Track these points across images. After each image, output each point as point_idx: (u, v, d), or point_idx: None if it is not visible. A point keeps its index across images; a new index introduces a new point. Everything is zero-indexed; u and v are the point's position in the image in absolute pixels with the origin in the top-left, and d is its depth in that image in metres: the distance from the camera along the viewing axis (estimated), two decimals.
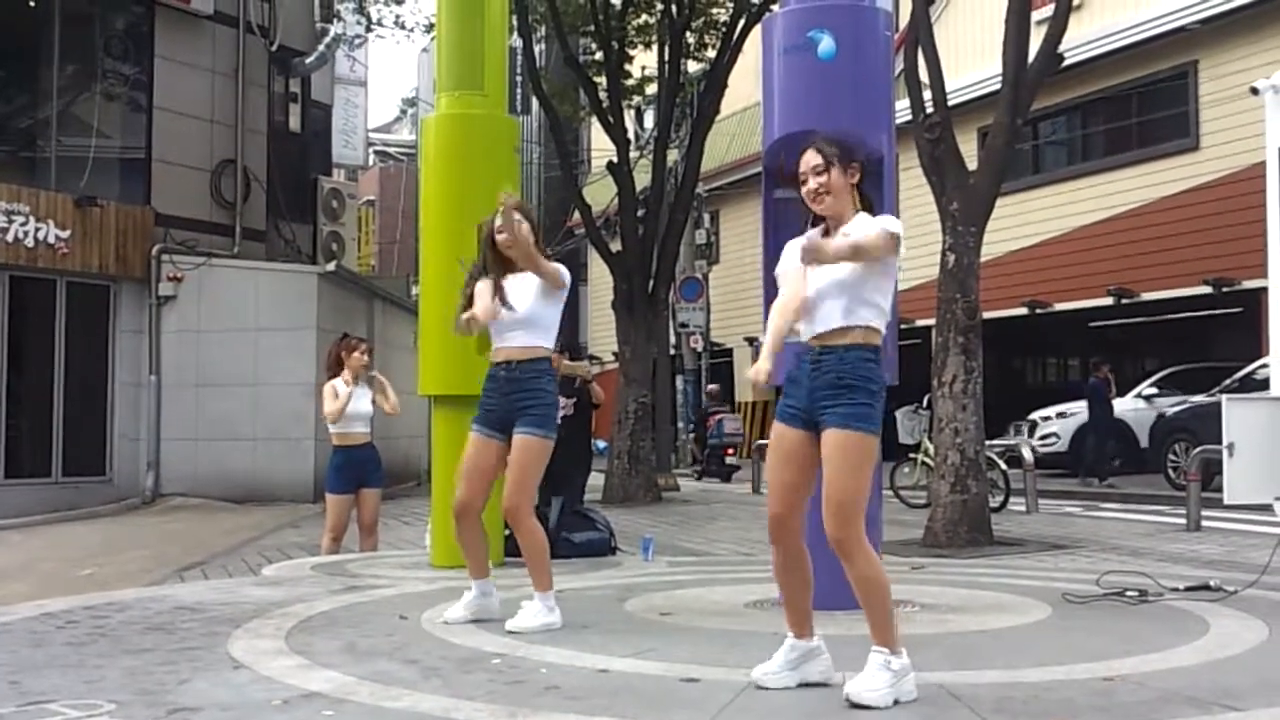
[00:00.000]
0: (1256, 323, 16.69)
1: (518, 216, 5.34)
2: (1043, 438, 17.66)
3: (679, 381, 25.42)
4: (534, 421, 5.37)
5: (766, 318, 4.39)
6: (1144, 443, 16.81)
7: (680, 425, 24.88)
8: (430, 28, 22.15)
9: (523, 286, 5.43)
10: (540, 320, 5.45)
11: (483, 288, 5.48)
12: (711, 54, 17.37)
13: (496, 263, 5.47)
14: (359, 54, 26.92)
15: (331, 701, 3.85)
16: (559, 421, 9.41)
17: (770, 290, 4.94)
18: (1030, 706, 3.73)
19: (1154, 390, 17.55)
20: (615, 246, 16.80)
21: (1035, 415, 18.52)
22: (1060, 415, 18.09)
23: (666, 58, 16.92)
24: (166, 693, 3.99)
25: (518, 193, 8.43)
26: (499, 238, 5.40)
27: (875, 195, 5.94)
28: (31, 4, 17.50)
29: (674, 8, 16.74)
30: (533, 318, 5.42)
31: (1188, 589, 6.18)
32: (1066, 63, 11.34)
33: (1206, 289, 17.48)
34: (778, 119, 6.05)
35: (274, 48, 19.66)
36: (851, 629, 5.16)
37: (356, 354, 8.47)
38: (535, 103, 22.60)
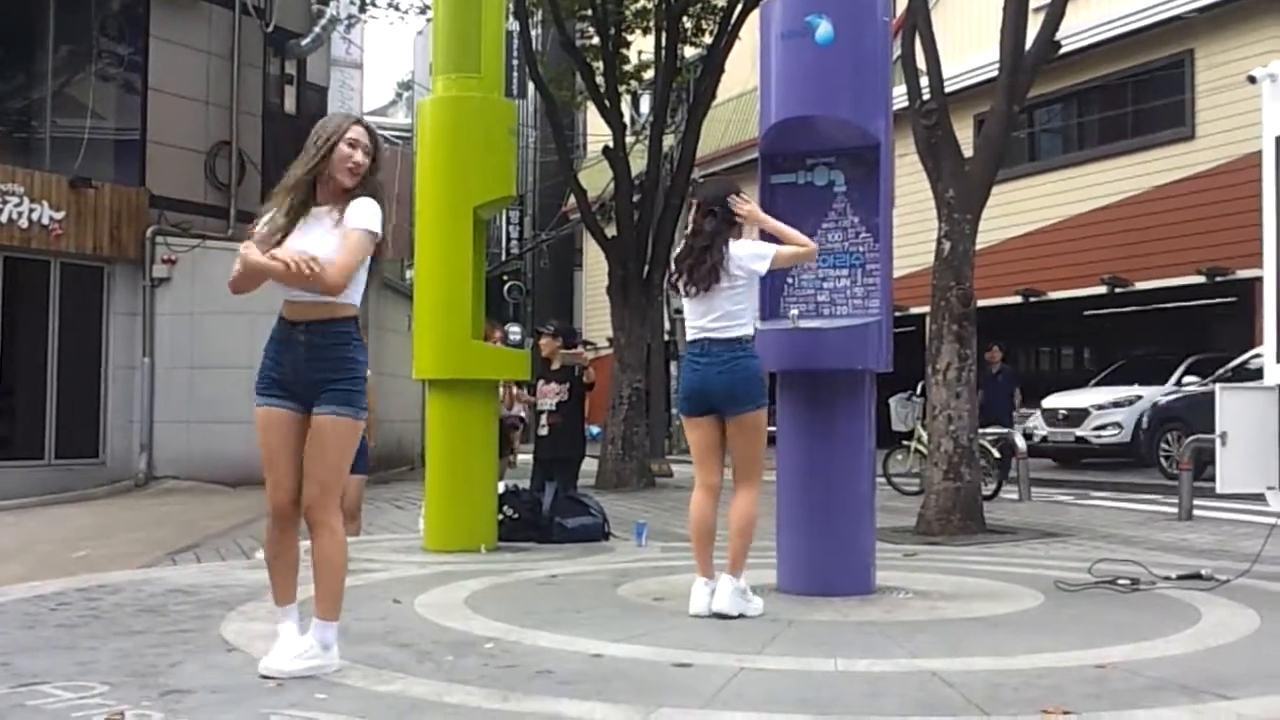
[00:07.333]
0: (1250, 312, 16.72)
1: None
2: (1099, 427, 16.60)
3: (673, 367, 25.39)
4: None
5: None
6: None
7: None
8: (424, 9, 22.07)
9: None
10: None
11: None
12: (709, 39, 17.33)
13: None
14: (355, 36, 26.83)
15: (324, 685, 3.85)
16: (554, 408, 9.47)
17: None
18: (1022, 694, 3.73)
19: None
20: (611, 231, 16.78)
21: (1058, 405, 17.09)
22: (1117, 404, 16.76)
23: (664, 42, 16.88)
24: (159, 675, 3.98)
25: (514, 177, 8.41)
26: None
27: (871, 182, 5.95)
28: None
29: None
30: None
31: (1180, 578, 6.20)
32: (1063, 50, 11.33)
33: (1200, 278, 17.49)
34: (775, 104, 6.03)
35: (269, 29, 19.58)
36: (848, 615, 5.18)
37: None
38: (531, 87, 22.52)
